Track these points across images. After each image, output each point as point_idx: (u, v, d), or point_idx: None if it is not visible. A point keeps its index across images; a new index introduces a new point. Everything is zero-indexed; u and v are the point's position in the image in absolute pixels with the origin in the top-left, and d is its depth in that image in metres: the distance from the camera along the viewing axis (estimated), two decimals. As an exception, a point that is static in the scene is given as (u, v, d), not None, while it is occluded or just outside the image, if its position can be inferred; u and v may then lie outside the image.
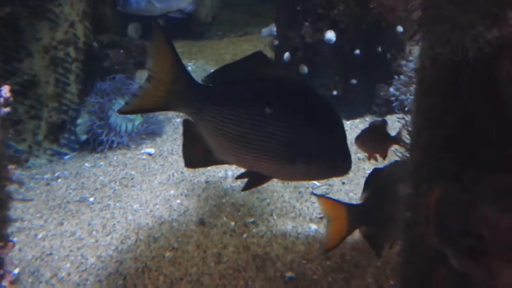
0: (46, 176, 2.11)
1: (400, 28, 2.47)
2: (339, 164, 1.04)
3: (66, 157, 2.35)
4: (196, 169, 1.94)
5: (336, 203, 1.22)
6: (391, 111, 2.46)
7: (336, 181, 1.89)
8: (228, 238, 1.56)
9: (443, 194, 0.76)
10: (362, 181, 1.89)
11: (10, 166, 1.15)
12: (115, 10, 2.81)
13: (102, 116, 2.33)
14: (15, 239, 1.60)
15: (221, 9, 4.54)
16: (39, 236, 1.62)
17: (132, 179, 2.00)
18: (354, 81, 2.48)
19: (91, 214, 1.74)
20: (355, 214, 1.20)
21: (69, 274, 1.43)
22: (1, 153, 1.10)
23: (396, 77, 2.45)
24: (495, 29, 0.59)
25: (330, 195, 1.80)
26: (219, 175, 1.95)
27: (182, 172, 2.01)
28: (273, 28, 2.69)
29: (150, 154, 2.24)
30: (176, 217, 1.70)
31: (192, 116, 1.10)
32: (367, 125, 1.48)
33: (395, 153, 1.15)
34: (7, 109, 1.11)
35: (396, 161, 1.21)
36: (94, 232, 1.63)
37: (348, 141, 1.16)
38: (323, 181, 1.88)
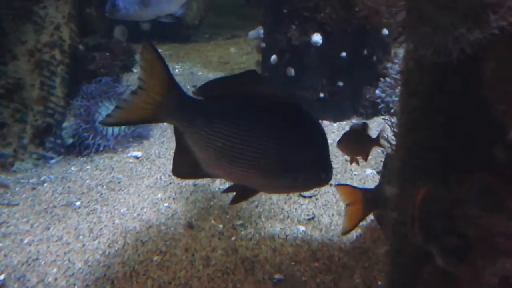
0: (32, 180, 2.09)
1: (385, 31, 2.49)
2: (322, 176, 1.07)
3: (52, 161, 2.32)
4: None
5: (353, 189, 1.27)
6: (378, 113, 2.49)
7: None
8: (217, 241, 1.56)
9: (428, 194, 0.77)
10: (350, 182, 1.91)
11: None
12: (101, 12, 2.79)
13: (88, 120, 2.31)
14: (0, 244, 1.58)
15: (208, 12, 4.54)
16: (25, 241, 1.60)
17: (119, 182, 1.99)
18: (340, 84, 2.50)
19: (78, 219, 1.72)
20: (370, 199, 1.23)
21: (56, 279, 1.42)
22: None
23: (382, 79, 2.48)
24: (476, 31, 0.60)
25: (318, 196, 1.81)
26: (207, 178, 1.95)
27: (169, 175, 2.00)
28: (260, 30, 2.70)
29: (137, 158, 2.22)
30: (164, 220, 1.69)
31: (182, 128, 1.10)
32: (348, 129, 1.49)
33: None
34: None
35: None
36: (81, 237, 1.61)
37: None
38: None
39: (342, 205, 1.77)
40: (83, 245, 1.57)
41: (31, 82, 2.31)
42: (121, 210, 1.76)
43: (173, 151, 1.17)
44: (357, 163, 1.46)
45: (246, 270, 1.42)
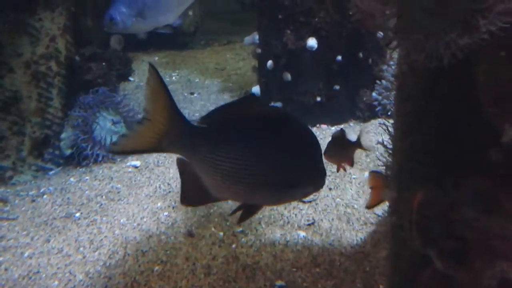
0: (31, 193, 2.09)
1: (380, 34, 2.50)
2: (320, 181, 1.10)
3: (51, 172, 2.33)
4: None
5: (378, 174, 1.38)
6: (375, 116, 2.49)
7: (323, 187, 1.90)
8: (217, 249, 1.56)
9: (425, 198, 0.77)
10: (348, 187, 1.91)
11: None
12: (96, 22, 2.80)
13: (86, 130, 2.31)
14: (1, 258, 1.58)
15: (203, 18, 4.56)
16: (26, 254, 1.60)
17: (118, 192, 1.99)
18: (337, 87, 2.50)
19: (78, 230, 1.72)
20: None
21: (57, 291, 1.42)
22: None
23: (378, 82, 2.49)
24: (466, 36, 0.61)
25: (318, 201, 1.82)
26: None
27: (169, 184, 2.00)
28: (255, 36, 2.71)
29: (136, 167, 2.22)
30: (164, 229, 1.69)
31: (187, 157, 1.12)
32: (336, 135, 1.48)
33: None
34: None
35: None
36: (81, 248, 1.61)
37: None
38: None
39: (341, 209, 1.78)
40: (84, 257, 1.57)
41: (28, 94, 2.32)
42: (121, 220, 1.76)
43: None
44: (344, 170, 1.45)
45: (247, 277, 1.42)
